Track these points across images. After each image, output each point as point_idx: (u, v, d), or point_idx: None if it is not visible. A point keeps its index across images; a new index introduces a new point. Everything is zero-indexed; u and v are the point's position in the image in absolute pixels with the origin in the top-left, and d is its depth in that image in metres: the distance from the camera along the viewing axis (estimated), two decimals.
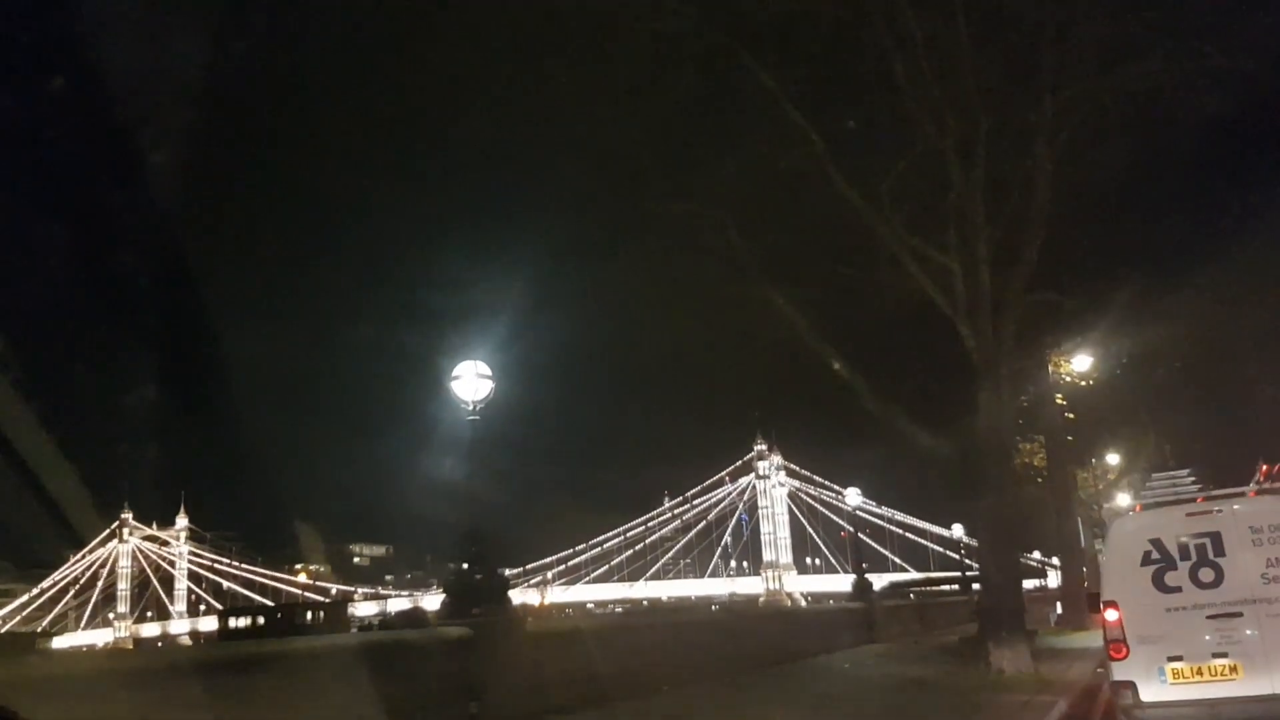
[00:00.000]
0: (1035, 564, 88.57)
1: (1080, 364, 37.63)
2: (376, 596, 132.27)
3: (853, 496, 34.32)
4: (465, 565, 14.97)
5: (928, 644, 30.26)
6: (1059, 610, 36.48)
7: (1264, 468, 10.16)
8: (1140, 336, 34.74)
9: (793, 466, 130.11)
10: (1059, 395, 37.73)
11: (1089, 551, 57.99)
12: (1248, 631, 8.93)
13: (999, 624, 18.18)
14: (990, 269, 18.21)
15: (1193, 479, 10.21)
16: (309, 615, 66.86)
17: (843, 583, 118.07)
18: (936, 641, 30.36)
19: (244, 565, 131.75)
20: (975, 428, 18.53)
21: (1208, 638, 9.07)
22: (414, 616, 57.73)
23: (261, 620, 62.84)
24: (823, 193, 18.34)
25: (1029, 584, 58.94)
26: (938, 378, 20.37)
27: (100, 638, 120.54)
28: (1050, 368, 37.04)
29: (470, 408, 14.97)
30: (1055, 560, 54.44)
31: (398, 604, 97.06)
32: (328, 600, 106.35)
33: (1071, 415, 38.86)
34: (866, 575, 35.48)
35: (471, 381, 14.96)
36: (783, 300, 19.40)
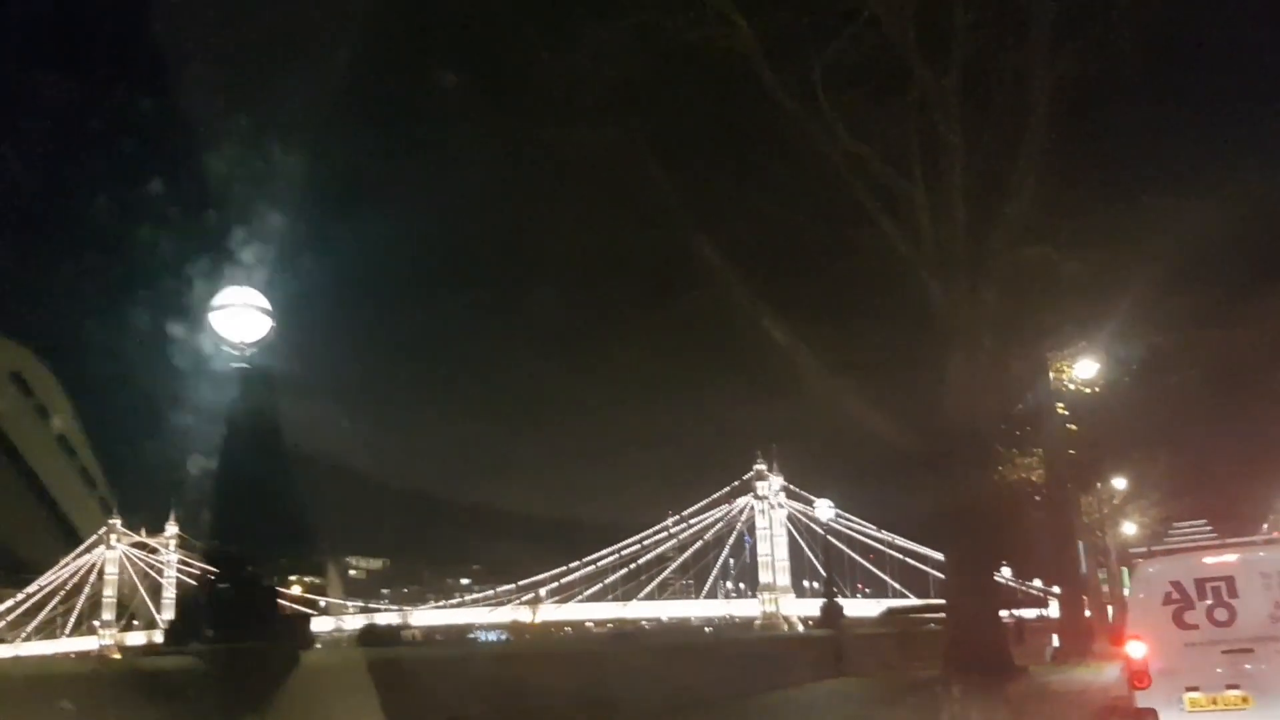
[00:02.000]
0: (1037, 592, 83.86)
1: (1085, 370, 33.18)
2: (367, 610, 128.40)
3: (823, 509, 29.44)
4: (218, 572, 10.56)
5: (905, 679, 25.88)
6: (1055, 643, 31.75)
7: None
8: (1155, 337, 30.47)
9: (792, 488, 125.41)
10: (1060, 405, 33.21)
11: (1092, 580, 53.33)
12: (1259, 666, 9.59)
13: (969, 662, 13.84)
14: (969, 205, 13.96)
15: (1209, 529, 12.41)
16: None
17: (844, 608, 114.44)
18: (915, 676, 25.96)
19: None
20: (945, 413, 14.25)
21: (1221, 671, 9.65)
22: (376, 633, 53.81)
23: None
24: (759, 111, 14.12)
25: (1029, 613, 54.12)
26: (905, 351, 16.09)
27: (85, 645, 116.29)
28: (1051, 374, 32.61)
29: (238, 352, 10.71)
30: (1056, 589, 49.41)
31: (355, 620, 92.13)
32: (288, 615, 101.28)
33: (1074, 427, 34.32)
34: (839, 599, 30.75)
35: (242, 316, 10.70)
36: (710, 250, 15.17)
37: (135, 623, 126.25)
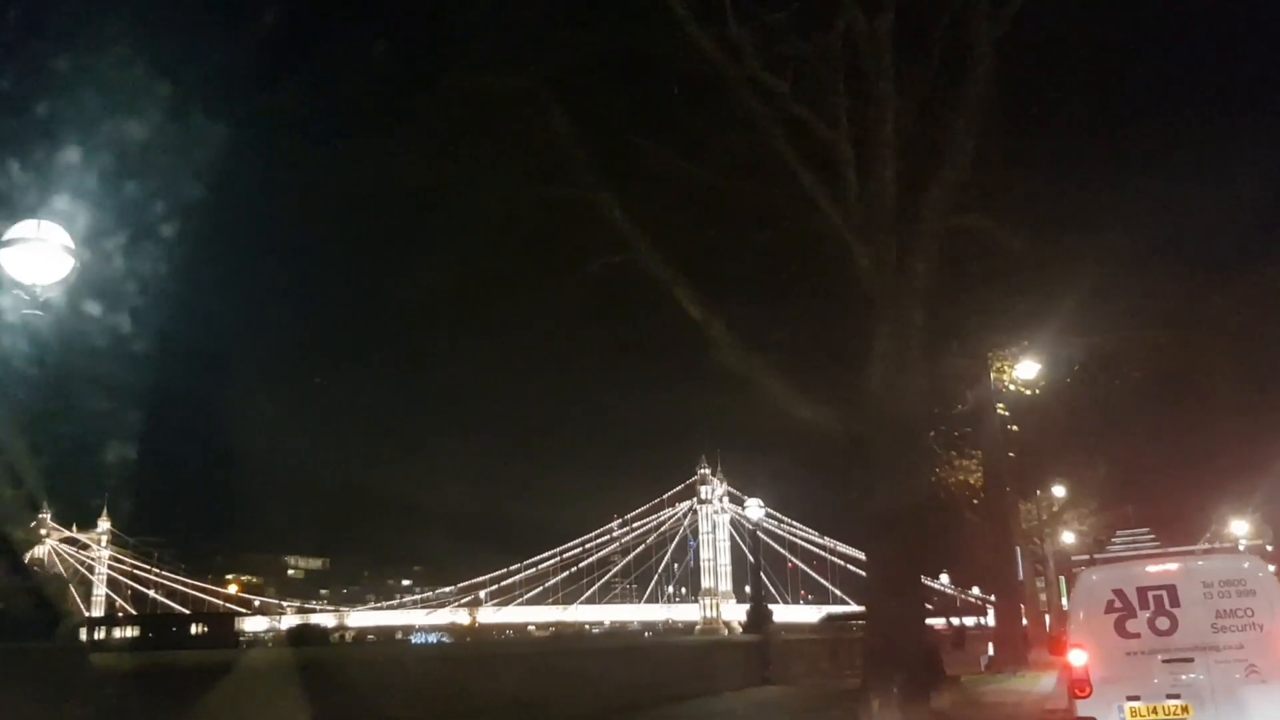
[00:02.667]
0: (976, 600, 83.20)
1: (1026, 371, 31.95)
2: (302, 611, 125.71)
3: (753, 509, 27.78)
4: None
5: (834, 687, 24.49)
6: (991, 652, 30.49)
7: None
8: (1097, 336, 29.28)
9: (735, 492, 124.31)
10: (1001, 405, 31.99)
11: (1029, 589, 52.34)
12: (1199, 676, 9.53)
13: (890, 673, 12.34)
14: (901, 166, 12.48)
15: (1151, 537, 11.12)
16: (192, 628, 60.05)
17: (784, 613, 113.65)
18: (842, 685, 24.57)
19: (165, 573, 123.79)
20: (868, 394, 12.75)
21: (1160, 680, 9.63)
22: (307, 634, 52.20)
23: (134, 631, 56.06)
24: (675, 55, 12.55)
25: (970, 621, 53.08)
26: (829, 328, 14.55)
27: None
28: (993, 374, 31.41)
29: (31, 296, 8.91)
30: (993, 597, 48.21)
31: (290, 620, 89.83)
32: (209, 613, 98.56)
33: (1015, 428, 33.10)
34: (767, 603, 29.31)
35: (35, 253, 8.91)
36: (617, 209, 13.55)
37: None
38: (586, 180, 13.59)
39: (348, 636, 62.90)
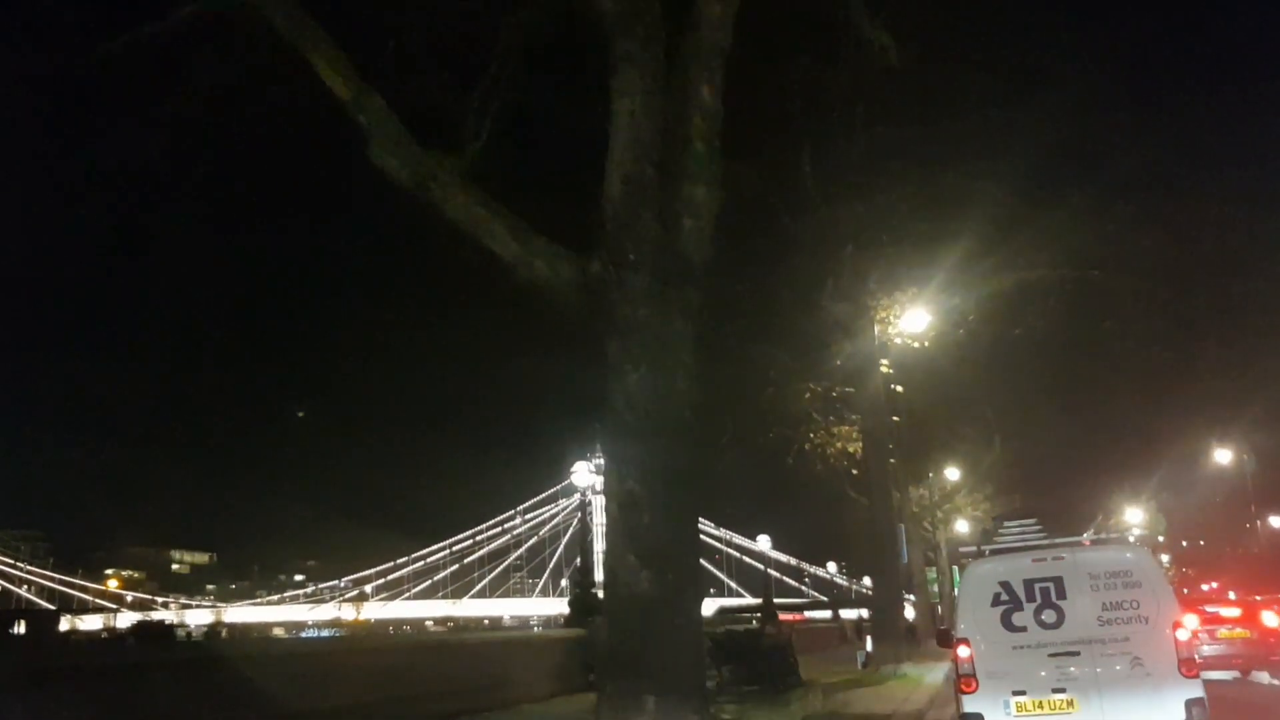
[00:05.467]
0: (868, 591, 78.42)
1: (914, 322, 26.92)
2: (186, 607, 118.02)
3: (582, 475, 21.76)
4: None
5: None
6: (869, 648, 25.20)
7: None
8: (998, 277, 24.46)
9: None
10: (885, 362, 26.85)
11: (918, 578, 47.63)
12: (1085, 669, 9.17)
13: (642, 684, 6.90)
14: None
15: (1039, 527, 10.85)
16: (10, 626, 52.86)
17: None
18: None
19: (29, 568, 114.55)
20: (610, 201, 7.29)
21: (1048, 674, 9.25)
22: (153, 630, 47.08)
23: None
24: None
25: (867, 614, 47.97)
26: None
27: None
28: (876, 325, 26.26)
29: None
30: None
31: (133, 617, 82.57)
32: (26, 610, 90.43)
33: (900, 388, 28.04)
34: (594, 591, 23.52)
35: None
36: None
37: None
38: None
39: (192, 633, 56.25)
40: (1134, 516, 70.74)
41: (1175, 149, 23.94)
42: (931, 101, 21.72)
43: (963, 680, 9.63)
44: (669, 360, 7.68)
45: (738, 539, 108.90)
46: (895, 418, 28.15)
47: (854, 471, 28.79)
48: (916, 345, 26.84)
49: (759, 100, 21.79)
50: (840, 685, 19.78)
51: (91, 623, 76.26)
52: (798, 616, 46.65)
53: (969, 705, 9.53)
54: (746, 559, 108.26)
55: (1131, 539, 19.07)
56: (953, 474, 46.80)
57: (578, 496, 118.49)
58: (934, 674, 22.88)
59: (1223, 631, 19.60)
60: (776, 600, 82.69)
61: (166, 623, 67.89)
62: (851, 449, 28.17)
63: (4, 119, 15.62)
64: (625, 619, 7.71)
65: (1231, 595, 32.45)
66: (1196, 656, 9.38)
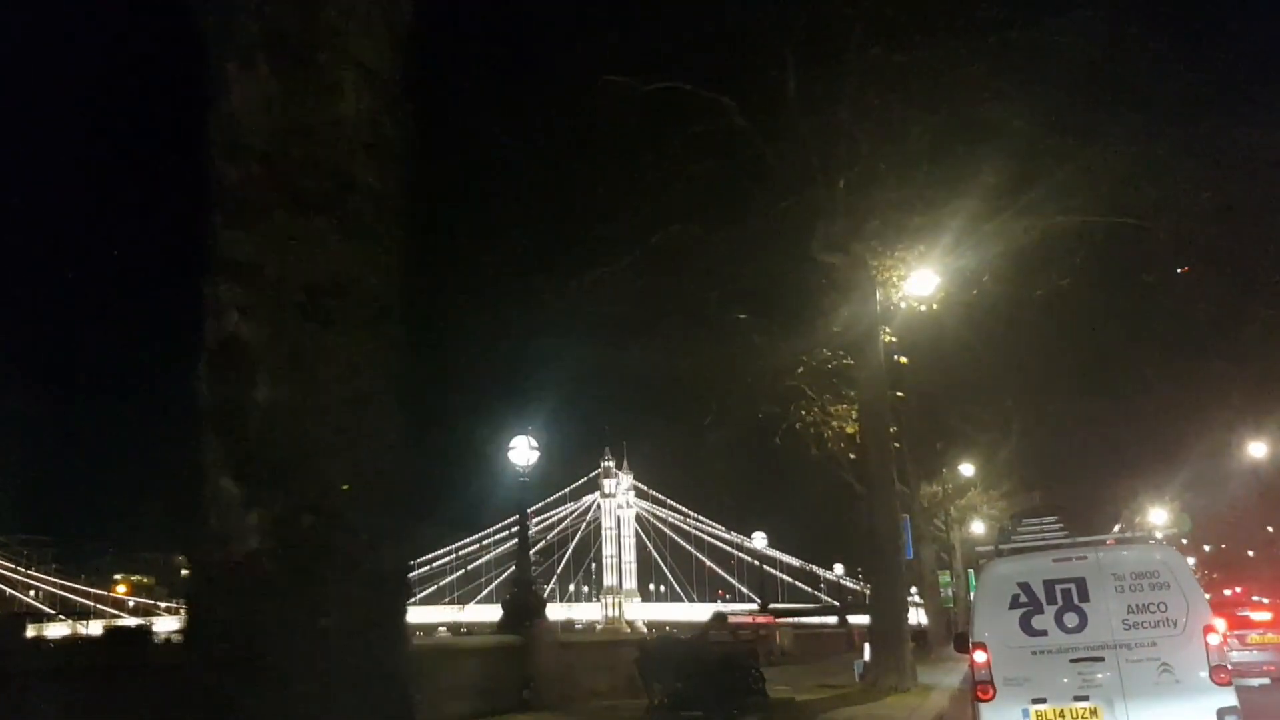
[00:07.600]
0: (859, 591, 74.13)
1: (921, 285, 22.99)
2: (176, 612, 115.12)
3: (521, 450, 18.39)
4: None
5: (618, 714, 15.44)
6: (866, 656, 21.19)
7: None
8: (1022, 223, 20.63)
9: (642, 487, 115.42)
10: (887, 330, 22.89)
11: (929, 578, 43.56)
12: (1108, 675, 8.62)
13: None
14: None
15: (1059, 525, 9.95)
16: None
17: (689, 611, 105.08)
18: (634, 706, 15.52)
19: (31, 573, 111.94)
20: None
21: (1070, 681, 8.69)
22: (124, 635, 43.34)
23: None
24: None
25: (859, 620, 43.95)
26: None
27: None
28: (878, 289, 22.34)
29: None
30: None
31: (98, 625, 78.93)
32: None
33: (905, 360, 24.05)
34: (536, 591, 19.50)
35: None
36: None
37: None
38: None
39: (171, 640, 52.71)
40: (1157, 517, 66.62)
41: (1228, 69, 20.02)
42: (942, 18, 18.29)
43: (979, 687, 9.04)
44: None
45: (749, 543, 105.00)
46: (900, 393, 24.22)
47: (852, 455, 24.87)
48: (923, 309, 22.90)
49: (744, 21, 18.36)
50: (823, 704, 15.97)
51: (54, 631, 73.23)
52: (768, 619, 42.51)
53: (986, 714, 8.94)
54: (767, 567, 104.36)
55: (1152, 541, 16.34)
56: (966, 470, 42.97)
57: (587, 500, 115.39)
58: (943, 686, 19.19)
59: (1253, 636, 18.75)
60: (779, 605, 79.03)
61: (140, 628, 64.46)
62: (850, 429, 24.21)
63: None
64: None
65: (1260, 600, 29.25)
66: (1228, 664, 8.69)
